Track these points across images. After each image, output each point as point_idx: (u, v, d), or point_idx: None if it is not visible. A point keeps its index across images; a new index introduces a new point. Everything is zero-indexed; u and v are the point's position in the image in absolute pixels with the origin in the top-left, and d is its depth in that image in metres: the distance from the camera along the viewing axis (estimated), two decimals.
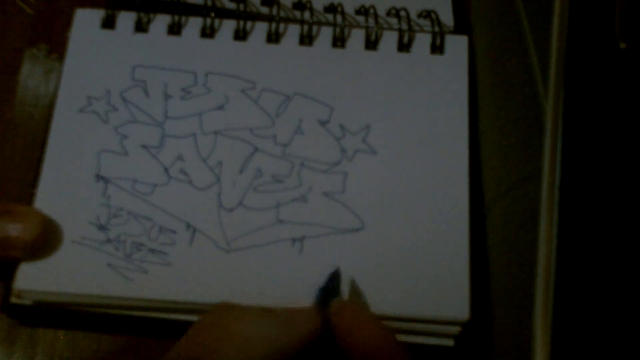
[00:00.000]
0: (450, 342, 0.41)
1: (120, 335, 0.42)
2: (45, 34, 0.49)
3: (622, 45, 0.37)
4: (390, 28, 0.49)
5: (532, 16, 0.44)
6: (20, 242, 0.40)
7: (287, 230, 0.43)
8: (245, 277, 0.41)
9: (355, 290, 0.40)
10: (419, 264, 0.42)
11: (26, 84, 0.48)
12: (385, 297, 0.41)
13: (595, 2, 0.38)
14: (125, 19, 0.48)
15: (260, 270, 0.41)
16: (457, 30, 0.49)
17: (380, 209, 0.43)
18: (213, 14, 0.48)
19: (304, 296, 0.40)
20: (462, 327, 0.41)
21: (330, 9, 0.49)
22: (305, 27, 0.48)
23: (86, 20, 0.48)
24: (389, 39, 0.48)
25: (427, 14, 0.49)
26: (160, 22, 0.48)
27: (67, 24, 0.48)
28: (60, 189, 0.43)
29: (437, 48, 0.48)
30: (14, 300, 0.41)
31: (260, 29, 0.48)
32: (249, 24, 0.48)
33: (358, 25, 0.49)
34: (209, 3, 0.48)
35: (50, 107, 0.46)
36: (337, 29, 0.48)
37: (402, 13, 0.49)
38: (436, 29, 0.48)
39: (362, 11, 0.49)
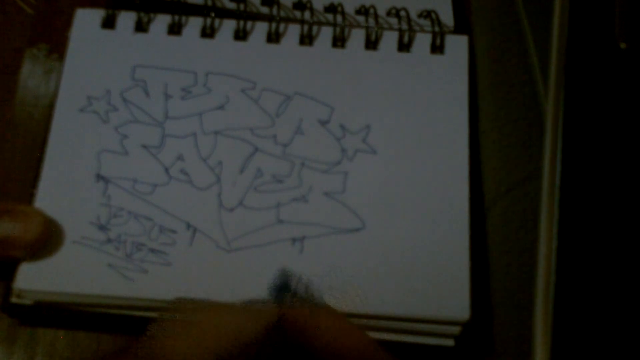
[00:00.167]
0: (450, 342, 0.41)
1: (120, 335, 0.42)
2: (46, 33, 0.49)
3: (623, 45, 0.37)
4: (391, 28, 0.49)
5: (533, 16, 0.44)
6: (21, 242, 0.40)
7: (287, 230, 0.43)
8: (245, 277, 0.41)
9: (305, 285, 0.40)
10: (419, 263, 0.42)
11: (26, 84, 0.48)
12: (386, 297, 0.41)
13: (596, 2, 0.38)
14: (126, 19, 0.48)
15: (261, 270, 0.41)
16: (457, 30, 0.49)
17: (381, 208, 0.43)
18: (213, 14, 0.48)
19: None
20: (462, 327, 0.41)
21: (331, 8, 0.49)
22: (306, 27, 0.48)
23: (86, 20, 0.48)
24: (389, 39, 0.48)
25: (427, 14, 0.49)
26: (161, 22, 0.48)
27: (67, 23, 0.48)
28: (61, 188, 0.43)
29: (437, 48, 0.48)
30: (14, 300, 0.41)
31: (260, 29, 0.48)
32: (249, 23, 0.48)
33: (358, 25, 0.49)
34: (209, 3, 0.48)
35: (50, 107, 0.46)
36: (337, 29, 0.48)
37: (402, 13, 0.49)
38: (436, 29, 0.48)
39: (362, 11, 0.49)
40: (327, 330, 0.33)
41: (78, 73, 0.46)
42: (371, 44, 0.48)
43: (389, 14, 0.49)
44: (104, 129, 0.45)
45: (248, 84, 0.46)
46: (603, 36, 0.37)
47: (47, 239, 0.41)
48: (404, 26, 0.49)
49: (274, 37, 0.48)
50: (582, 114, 0.36)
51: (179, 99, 0.46)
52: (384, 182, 0.44)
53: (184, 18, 0.48)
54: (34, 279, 0.40)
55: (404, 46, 0.48)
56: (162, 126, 0.45)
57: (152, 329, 0.32)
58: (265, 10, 0.49)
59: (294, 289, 0.39)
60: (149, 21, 0.48)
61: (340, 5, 0.49)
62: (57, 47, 0.49)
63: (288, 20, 0.49)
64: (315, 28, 0.48)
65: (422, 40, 0.48)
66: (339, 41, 0.48)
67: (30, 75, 0.48)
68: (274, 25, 0.48)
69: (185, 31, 0.48)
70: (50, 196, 0.43)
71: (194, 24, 0.48)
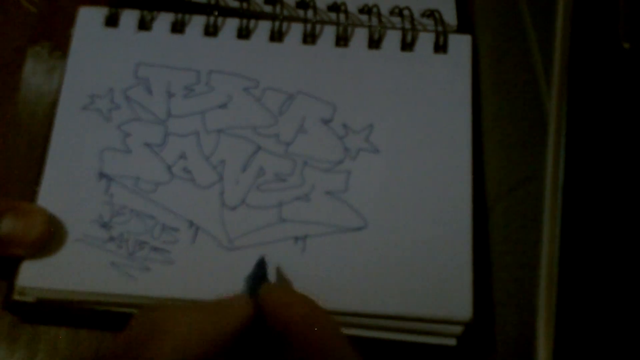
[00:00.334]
0: (452, 342, 0.41)
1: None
2: (48, 31, 0.49)
3: (626, 45, 0.37)
4: (394, 27, 0.49)
5: (536, 16, 0.44)
6: (24, 240, 0.40)
7: (289, 228, 0.43)
8: None
9: (281, 275, 0.40)
10: (421, 263, 0.42)
11: (29, 82, 0.48)
12: (387, 296, 0.41)
13: (599, 2, 0.38)
14: (129, 17, 0.48)
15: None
16: (461, 29, 0.49)
17: (383, 208, 0.43)
18: (216, 13, 0.48)
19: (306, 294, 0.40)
20: (464, 327, 0.41)
21: (334, 7, 0.49)
22: (309, 26, 0.48)
23: (89, 18, 0.48)
24: (392, 38, 0.48)
25: (430, 13, 0.49)
26: (164, 20, 0.48)
27: (70, 22, 0.48)
28: (63, 186, 0.43)
29: (440, 47, 0.48)
30: (16, 297, 0.41)
31: (263, 28, 0.48)
32: (252, 22, 0.48)
33: (361, 24, 0.49)
34: (212, 1, 0.48)
35: (53, 105, 0.46)
36: (340, 28, 0.48)
37: (406, 12, 0.49)
38: (439, 28, 0.48)
39: (366, 10, 0.49)
40: (300, 317, 0.33)
41: (81, 71, 0.46)
42: (374, 43, 0.48)
43: (392, 13, 0.49)
44: (107, 127, 0.45)
45: (251, 82, 0.46)
46: (606, 36, 0.37)
47: (50, 237, 0.41)
48: (407, 25, 0.49)
49: (276, 36, 0.48)
50: (584, 114, 0.36)
51: (182, 98, 0.46)
52: (387, 181, 0.44)
53: (187, 16, 0.48)
54: (36, 277, 0.40)
55: (407, 45, 0.48)
56: (165, 124, 0.45)
57: (125, 332, 0.32)
58: (268, 9, 0.49)
59: (269, 279, 0.39)
60: (152, 19, 0.48)
61: (344, 4, 0.49)
62: (59, 45, 0.49)
63: (291, 19, 0.49)
64: (318, 27, 0.48)
65: (425, 40, 0.48)
66: (341, 40, 0.48)
67: (33, 73, 0.48)
68: (277, 24, 0.48)
69: (188, 29, 0.48)
70: (53, 194, 0.43)
71: (197, 22, 0.48)
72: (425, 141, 0.45)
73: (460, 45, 0.48)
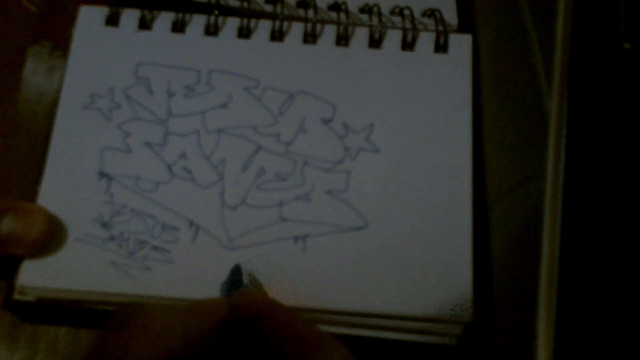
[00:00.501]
0: (452, 342, 0.41)
1: None
2: (49, 31, 0.49)
3: (627, 45, 0.37)
4: (394, 27, 0.49)
5: (536, 15, 0.44)
6: (24, 240, 0.40)
7: (290, 228, 0.43)
8: None
9: (255, 280, 0.41)
10: (422, 263, 0.42)
11: (30, 81, 0.48)
12: (387, 296, 0.41)
13: (600, 2, 0.38)
14: (129, 17, 0.48)
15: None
16: (461, 29, 0.49)
17: (383, 207, 0.43)
18: (217, 12, 0.48)
19: (307, 294, 0.40)
20: (464, 327, 0.41)
21: (334, 7, 0.49)
22: (309, 26, 0.48)
23: (90, 17, 0.48)
24: (393, 38, 0.48)
25: (431, 13, 0.49)
26: (164, 19, 0.48)
27: (70, 21, 0.48)
28: (64, 186, 0.43)
29: (440, 47, 0.48)
30: (16, 296, 0.41)
31: (264, 27, 0.48)
32: (252, 21, 0.48)
33: (362, 24, 0.49)
34: (213, 1, 0.48)
35: (53, 105, 0.46)
36: (341, 28, 0.48)
37: (406, 12, 0.49)
38: (440, 27, 0.48)
39: (366, 9, 0.49)
40: (274, 320, 0.33)
41: (81, 70, 0.46)
42: (375, 42, 0.48)
43: (392, 12, 0.49)
44: (107, 127, 0.45)
45: (251, 82, 0.46)
46: (607, 36, 0.37)
47: (50, 237, 0.41)
48: (408, 25, 0.49)
49: (277, 35, 0.48)
50: (585, 114, 0.36)
51: (182, 97, 0.46)
52: (387, 181, 0.44)
53: (187, 16, 0.48)
54: (36, 276, 0.40)
55: (407, 45, 0.48)
56: (165, 124, 0.45)
57: (101, 333, 0.32)
58: (269, 8, 0.49)
59: (245, 285, 0.40)
60: (153, 19, 0.48)
61: (344, 3, 0.49)
62: (60, 44, 0.49)
63: (292, 18, 0.49)
64: (318, 26, 0.48)
65: (426, 39, 0.48)
66: (342, 40, 0.48)
67: (34, 72, 0.48)
68: (277, 23, 0.48)
69: (189, 29, 0.48)
70: (53, 193, 0.43)
71: (198, 21, 0.48)
72: (425, 141, 0.45)
73: (461, 45, 0.48)
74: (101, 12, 0.48)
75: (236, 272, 0.40)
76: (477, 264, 0.42)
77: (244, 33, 0.48)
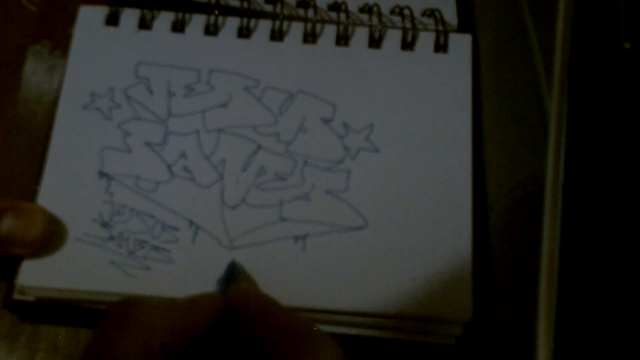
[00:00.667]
0: (451, 342, 0.41)
1: None
2: (49, 30, 0.49)
3: (627, 45, 0.37)
4: (394, 26, 0.49)
5: (536, 15, 0.44)
6: (24, 239, 0.40)
7: (290, 228, 0.43)
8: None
9: (246, 278, 0.41)
10: (421, 262, 0.42)
11: (30, 81, 0.48)
12: (387, 296, 0.41)
13: (600, 2, 0.38)
14: (129, 16, 0.48)
15: (263, 268, 0.41)
16: (461, 29, 0.49)
17: (383, 207, 0.43)
18: (217, 12, 0.48)
19: (306, 294, 0.40)
20: (464, 327, 0.41)
21: (334, 7, 0.49)
22: (309, 25, 0.48)
23: (90, 17, 0.48)
24: (393, 38, 0.48)
25: (430, 13, 0.49)
26: (164, 19, 0.48)
27: (70, 21, 0.48)
28: (63, 185, 0.43)
29: (440, 47, 0.48)
30: (16, 296, 0.41)
31: (263, 27, 0.48)
32: (252, 21, 0.48)
33: (362, 24, 0.49)
34: (213, 1, 0.48)
35: (53, 104, 0.46)
36: (341, 27, 0.48)
37: (406, 11, 0.49)
38: (440, 27, 0.48)
39: (366, 9, 0.49)
40: (263, 313, 0.34)
41: (81, 70, 0.46)
42: (375, 42, 0.48)
43: (392, 12, 0.49)
44: (107, 126, 0.45)
45: (251, 81, 0.46)
46: (607, 36, 0.37)
47: (50, 236, 0.41)
48: (408, 25, 0.49)
49: (277, 35, 0.48)
50: (585, 114, 0.36)
51: (182, 97, 0.46)
52: (387, 181, 0.44)
53: (187, 15, 0.48)
54: (36, 276, 0.40)
55: (407, 45, 0.48)
56: (165, 124, 0.45)
57: (97, 327, 0.32)
58: (268, 8, 0.49)
59: (238, 281, 0.40)
60: (153, 18, 0.48)
61: (344, 3, 0.49)
62: (60, 44, 0.49)
63: (291, 18, 0.49)
64: (318, 26, 0.48)
65: (426, 39, 0.48)
66: (342, 39, 0.48)
67: (34, 72, 0.48)
68: (277, 23, 0.48)
69: (189, 29, 0.48)
70: (53, 193, 0.43)
71: (198, 21, 0.48)
72: (425, 141, 0.45)
73: (461, 44, 0.48)
74: (101, 12, 0.48)
75: (231, 268, 0.41)
76: (477, 264, 0.42)
77: (244, 33, 0.48)
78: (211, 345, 0.34)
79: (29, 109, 0.47)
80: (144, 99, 0.46)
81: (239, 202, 0.43)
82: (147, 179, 0.44)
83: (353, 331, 0.41)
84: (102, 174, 0.43)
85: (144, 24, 0.48)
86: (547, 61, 0.39)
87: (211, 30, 0.48)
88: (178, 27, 0.48)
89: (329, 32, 0.48)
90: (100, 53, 0.47)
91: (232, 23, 0.48)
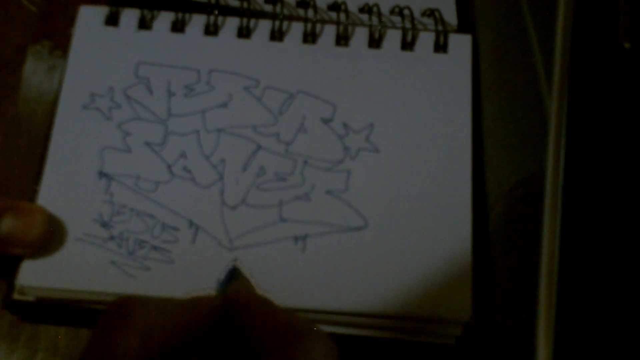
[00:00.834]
0: (452, 342, 0.41)
1: None
2: (49, 30, 0.49)
3: (627, 45, 0.37)
4: (394, 26, 0.49)
5: (536, 15, 0.44)
6: (24, 239, 0.40)
7: (289, 228, 0.43)
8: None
9: (246, 278, 0.41)
10: (421, 263, 0.42)
11: (30, 81, 0.48)
12: (387, 296, 0.41)
13: (600, 2, 0.38)
14: (129, 16, 0.48)
15: (263, 269, 0.41)
16: (461, 29, 0.49)
17: (383, 207, 0.43)
18: (217, 12, 0.48)
19: (306, 294, 0.40)
20: (463, 327, 0.41)
21: (334, 7, 0.49)
22: (309, 25, 0.48)
23: (90, 17, 0.48)
24: (393, 38, 0.48)
25: (430, 13, 0.49)
26: (164, 19, 0.48)
27: (70, 21, 0.48)
28: (63, 185, 0.43)
29: (440, 47, 0.48)
30: (16, 296, 0.41)
31: (263, 27, 0.48)
32: (252, 21, 0.48)
33: (362, 24, 0.49)
34: (213, 1, 0.48)
35: (53, 104, 0.46)
36: (341, 27, 0.48)
37: (406, 11, 0.49)
38: (440, 27, 0.48)
39: (366, 9, 0.49)
40: (256, 311, 0.34)
41: (81, 70, 0.46)
42: (374, 42, 0.48)
43: (392, 12, 0.49)
44: (107, 126, 0.45)
45: (251, 81, 0.46)
46: (607, 36, 0.37)
47: (50, 236, 0.41)
48: (408, 25, 0.49)
49: (277, 35, 0.48)
50: (585, 114, 0.36)
51: (182, 97, 0.46)
52: (387, 181, 0.44)
53: (187, 15, 0.48)
54: (36, 276, 0.40)
55: (407, 45, 0.48)
56: (165, 124, 0.45)
57: (97, 326, 0.32)
58: (268, 8, 0.49)
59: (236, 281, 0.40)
60: (153, 18, 0.48)
61: (344, 3, 0.49)
62: (60, 44, 0.49)
63: (291, 18, 0.49)
64: (318, 26, 0.48)
65: (426, 39, 0.48)
66: (342, 39, 0.48)
67: (34, 72, 0.48)
68: (277, 23, 0.48)
69: (189, 29, 0.48)
70: (53, 193, 0.43)
71: (198, 21, 0.48)
72: (425, 141, 0.45)
73: (461, 44, 0.48)
74: (101, 12, 0.48)
75: (231, 269, 0.41)
76: (477, 264, 0.42)
77: (244, 33, 0.48)
78: (210, 345, 0.34)
79: (29, 109, 0.47)
80: (144, 99, 0.46)
81: (239, 202, 0.43)
82: (147, 179, 0.44)
83: (353, 331, 0.41)
84: (102, 174, 0.43)
85: (144, 24, 0.48)
86: (547, 61, 0.39)
87: (211, 30, 0.48)
88: (178, 27, 0.48)
89: (328, 32, 0.48)
90: (100, 53, 0.47)
91: (232, 23, 0.48)
